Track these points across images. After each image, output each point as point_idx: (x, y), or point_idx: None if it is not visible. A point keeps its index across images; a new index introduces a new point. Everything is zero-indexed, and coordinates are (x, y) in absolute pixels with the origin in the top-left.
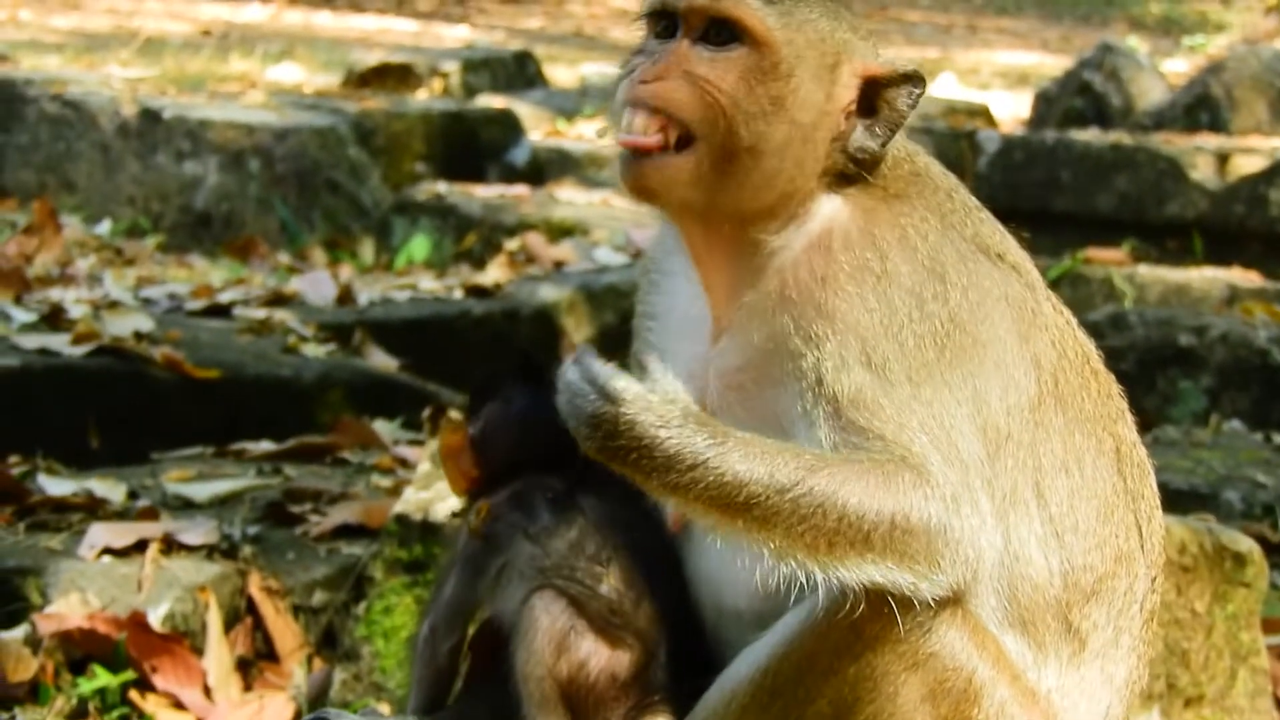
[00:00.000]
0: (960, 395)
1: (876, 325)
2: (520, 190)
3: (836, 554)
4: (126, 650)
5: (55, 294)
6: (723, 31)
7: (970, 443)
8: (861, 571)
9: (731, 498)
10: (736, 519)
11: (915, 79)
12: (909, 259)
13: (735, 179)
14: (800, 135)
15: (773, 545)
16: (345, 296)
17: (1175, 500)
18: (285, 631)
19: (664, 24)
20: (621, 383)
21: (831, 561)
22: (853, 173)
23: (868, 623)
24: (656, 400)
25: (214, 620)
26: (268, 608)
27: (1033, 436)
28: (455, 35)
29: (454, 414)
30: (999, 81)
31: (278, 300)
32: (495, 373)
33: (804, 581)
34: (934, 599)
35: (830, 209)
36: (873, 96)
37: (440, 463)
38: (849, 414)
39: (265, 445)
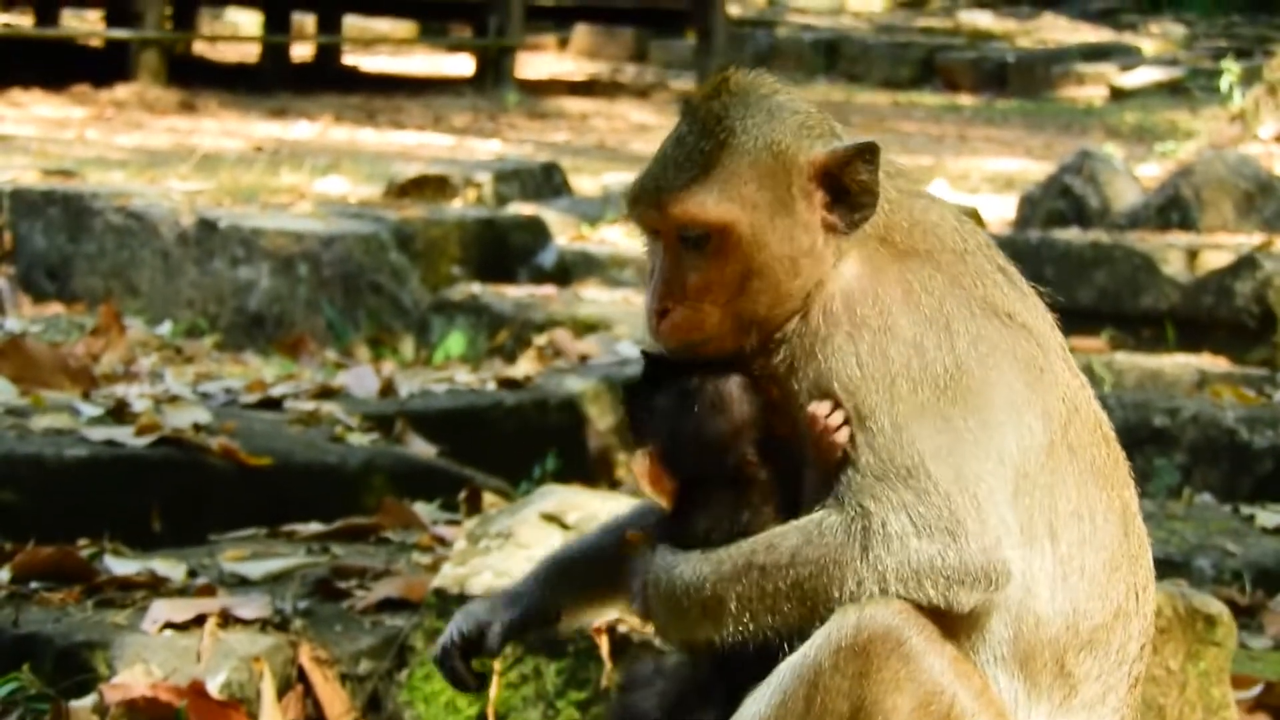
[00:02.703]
0: (962, 428)
1: (867, 378)
2: (548, 290)
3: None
4: (187, 716)
5: (120, 390)
6: (689, 231)
7: (979, 477)
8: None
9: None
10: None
11: (865, 150)
12: (910, 312)
13: (757, 320)
14: (789, 261)
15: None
16: (387, 389)
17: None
18: (333, 698)
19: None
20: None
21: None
22: (865, 235)
23: (863, 657)
24: None
25: (268, 688)
26: (317, 676)
27: (1049, 478)
28: (487, 149)
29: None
30: (987, 186)
31: (325, 393)
32: (639, 390)
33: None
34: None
35: (846, 274)
36: (836, 180)
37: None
38: (838, 470)
39: (314, 526)
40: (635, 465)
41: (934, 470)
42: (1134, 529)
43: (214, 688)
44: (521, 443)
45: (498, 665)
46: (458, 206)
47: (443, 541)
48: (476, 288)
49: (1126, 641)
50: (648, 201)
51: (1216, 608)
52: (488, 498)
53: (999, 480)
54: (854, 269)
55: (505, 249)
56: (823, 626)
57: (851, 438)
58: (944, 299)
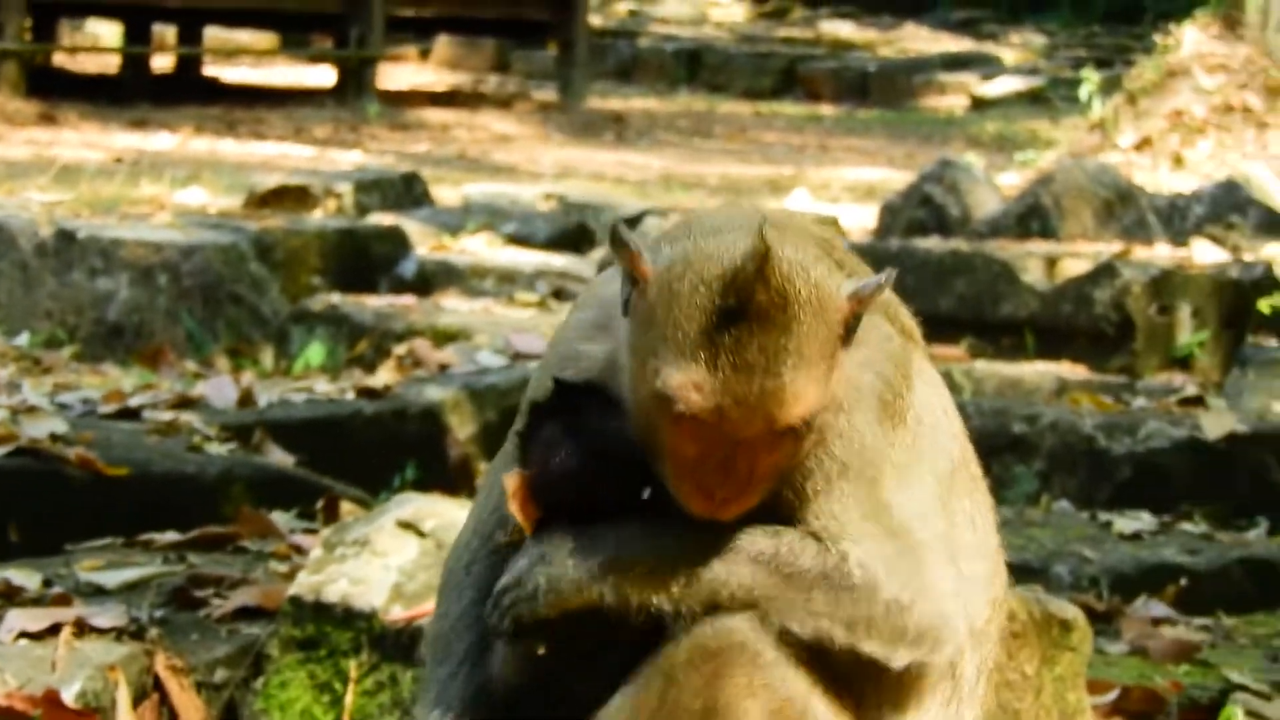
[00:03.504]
0: (928, 481)
1: (870, 439)
2: (408, 300)
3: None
4: None
5: None
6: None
7: (936, 527)
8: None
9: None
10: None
11: (879, 291)
12: (892, 377)
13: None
14: (831, 406)
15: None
16: (246, 399)
17: (1009, 574)
18: (189, 706)
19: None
20: None
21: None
22: None
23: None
24: None
25: (123, 697)
26: (173, 684)
27: (956, 498)
28: (349, 159)
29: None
30: (848, 195)
31: (184, 403)
32: (542, 407)
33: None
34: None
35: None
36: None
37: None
38: (818, 504)
39: (171, 536)
40: (507, 480)
41: (916, 531)
42: (994, 524)
43: (69, 697)
44: (381, 452)
45: (353, 673)
46: (318, 217)
47: (300, 550)
48: (336, 298)
49: (994, 630)
50: (746, 410)
51: (1072, 613)
52: (346, 506)
53: (945, 537)
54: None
55: (366, 259)
56: (685, 630)
57: (835, 489)
58: (901, 356)
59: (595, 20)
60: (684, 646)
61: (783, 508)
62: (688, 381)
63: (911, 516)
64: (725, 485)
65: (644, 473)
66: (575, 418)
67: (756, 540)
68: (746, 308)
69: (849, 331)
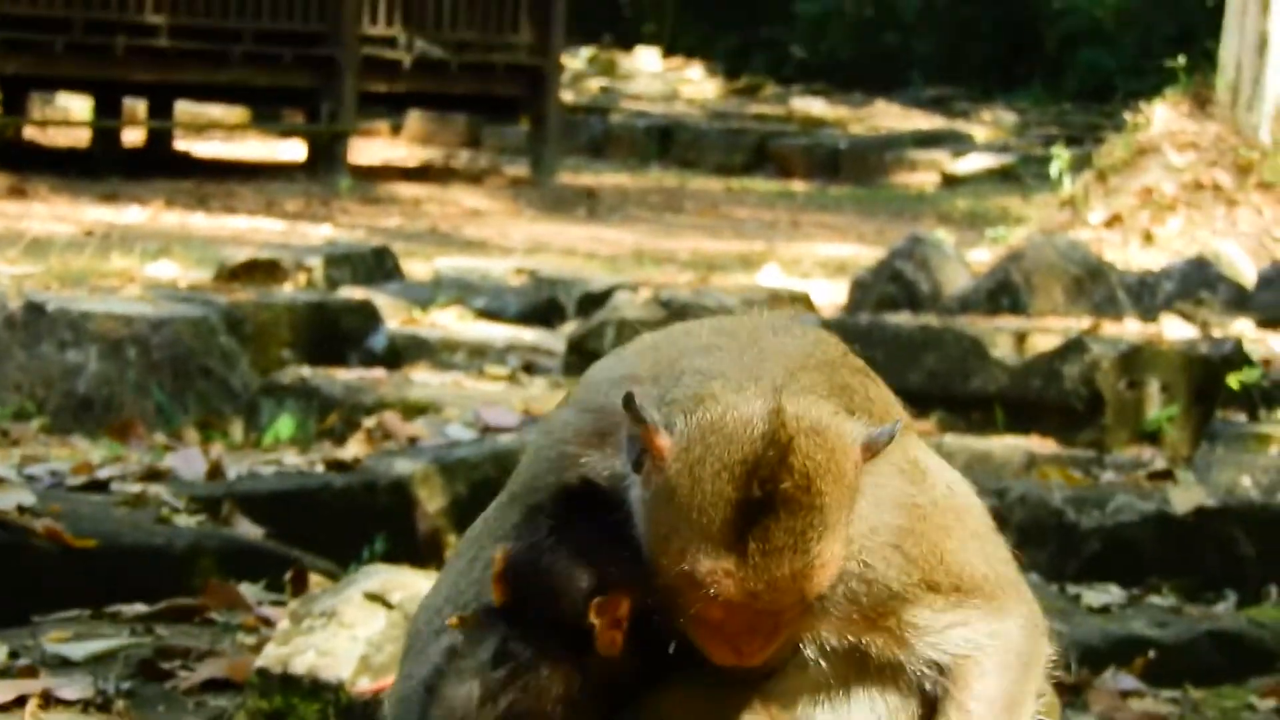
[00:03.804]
0: (978, 530)
1: (923, 566)
2: (378, 373)
3: None
4: None
5: None
6: None
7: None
8: None
9: None
10: None
11: (890, 439)
12: (907, 482)
13: None
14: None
15: None
16: (215, 471)
17: None
18: None
19: None
20: None
21: None
22: None
23: None
24: None
25: None
26: None
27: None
28: (319, 233)
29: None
30: (819, 271)
31: (152, 475)
32: (561, 495)
33: None
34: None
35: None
36: None
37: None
38: (917, 623)
39: (139, 607)
40: (495, 553)
41: (986, 570)
42: None
43: None
44: (350, 525)
45: None
46: (288, 290)
47: (268, 622)
48: (306, 371)
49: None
50: (779, 595)
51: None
52: (314, 579)
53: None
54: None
55: (336, 332)
56: None
57: (911, 611)
58: (903, 445)
59: (567, 96)
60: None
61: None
62: (718, 568)
63: (983, 566)
64: (752, 644)
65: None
66: (578, 524)
67: None
68: (773, 496)
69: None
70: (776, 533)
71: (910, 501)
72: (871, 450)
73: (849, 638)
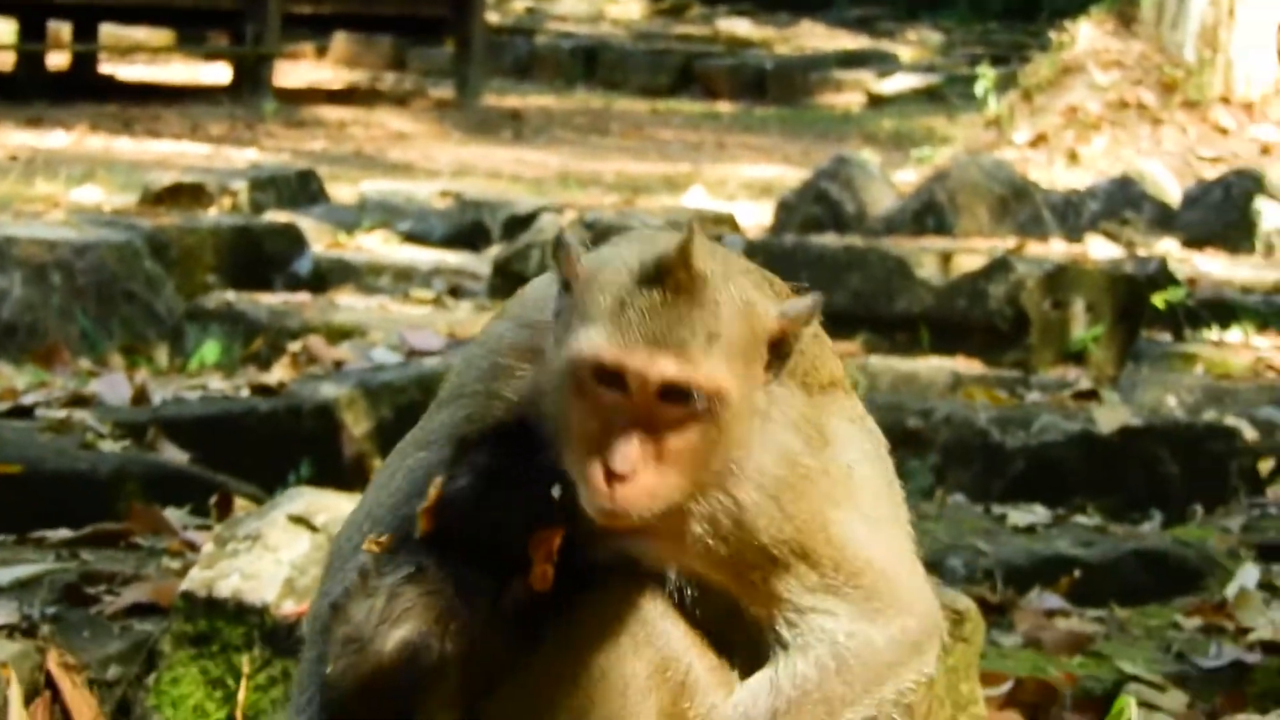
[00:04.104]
0: (875, 516)
1: (801, 526)
2: (303, 297)
3: None
4: None
5: None
6: (678, 394)
7: (905, 544)
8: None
9: None
10: None
11: (816, 310)
12: (804, 446)
13: (700, 488)
14: (750, 421)
15: None
16: (140, 397)
17: None
18: (82, 704)
19: (611, 376)
20: None
21: None
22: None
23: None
24: None
25: (14, 695)
26: (65, 682)
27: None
28: (244, 157)
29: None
30: (745, 192)
31: (77, 401)
32: (491, 433)
33: None
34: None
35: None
36: (779, 342)
37: None
38: (786, 596)
39: (63, 533)
40: (432, 486)
41: (875, 560)
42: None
43: None
44: (276, 449)
45: (246, 668)
46: (213, 215)
47: (193, 547)
48: (231, 295)
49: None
50: (650, 353)
51: (964, 604)
52: (239, 503)
53: (906, 531)
54: (777, 414)
55: (261, 257)
56: (571, 601)
57: (783, 579)
58: (811, 415)
59: (492, 17)
60: (572, 615)
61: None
62: (597, 339)
63: (870, 553)
64: (627, 459)
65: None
66: (495, 454)
67: (759, 699)
68: (664, 282)
69: (777, 357)
70: (660, 314)
71: (796, 459)
72: (789, 320)
73: (722, 583)
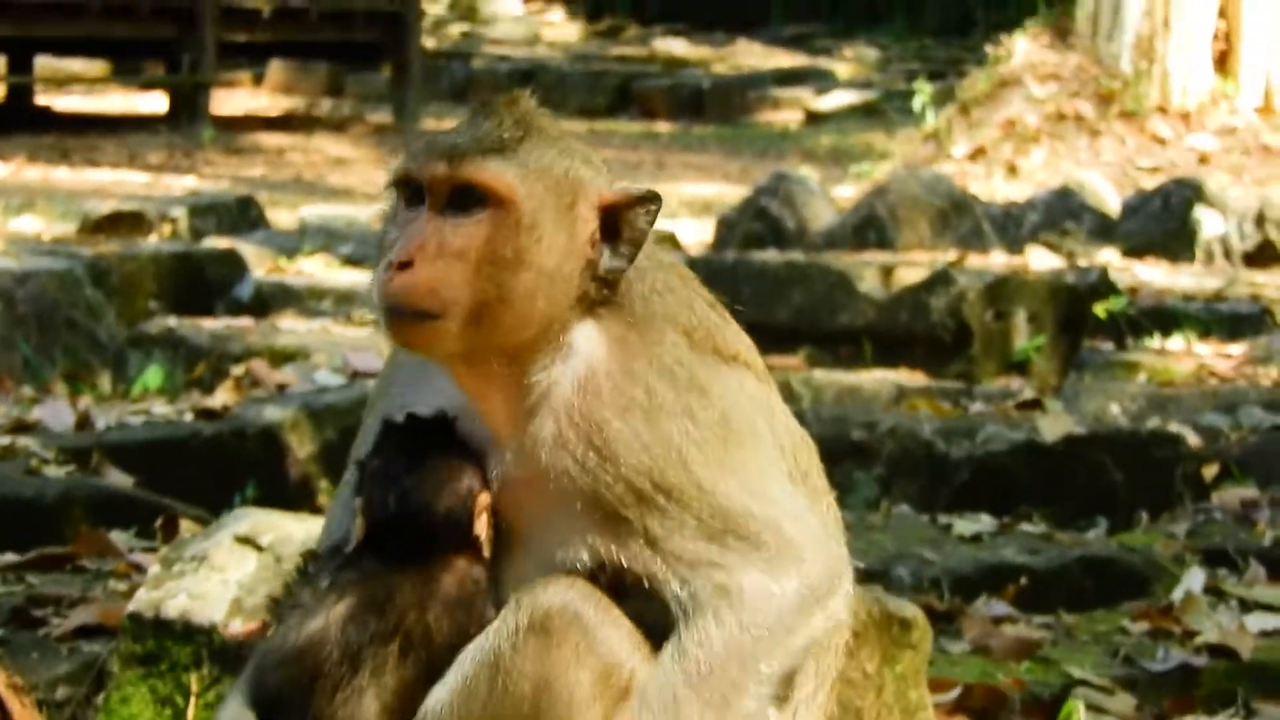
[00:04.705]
0: (755, 464)
1: (659, 456)
2: (245, 322)
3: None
4: None
5: None
6: (467, 197)
7: (787, 493)
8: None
9: None
10: None
11: (650, 199)
12: (671, 384)
13: (493, 326)
14: (549, 277)
15: None
16: (84, 422)
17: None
18: None
19: (411, 191)
20: None
21: None
22: (601, 297)
23: (542, 635)
24: None
25: None
26: (14, 703)
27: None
28: (183, 184)
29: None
30: (685, 210)
31: (21, 428)
32: (409, 424)
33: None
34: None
35: (587, 341)
36: (613, 221)
37: None
38: (663, 560)
39: (9, 557)
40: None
41: (755, 510)
42: (841, 535)
43: None
44: (221, 472)
45: (195, 686)
46: (153, 241)
47: (139, 568)
48: (173, 321)
49: (839, 643)
50: (441, 152)
51: (911, 611)
52: (185, 524)
53: (797, 490)
54: (594, 338)
55: (202, 282)
56: (501, 612)
57: (659, 523)
58: (690, 362)
59: (428, 42)
60: (507, 627)
61: (626, 562)
62: (404, 154)
63: (748, 502)
64: (406, 250)
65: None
66: (412, 433)
67: (671, 671)
68: (496, 106)
69: (612, 236)
70: (481, 124)
71: (652, 385)
72: (620, 197)
73: (603, 540)
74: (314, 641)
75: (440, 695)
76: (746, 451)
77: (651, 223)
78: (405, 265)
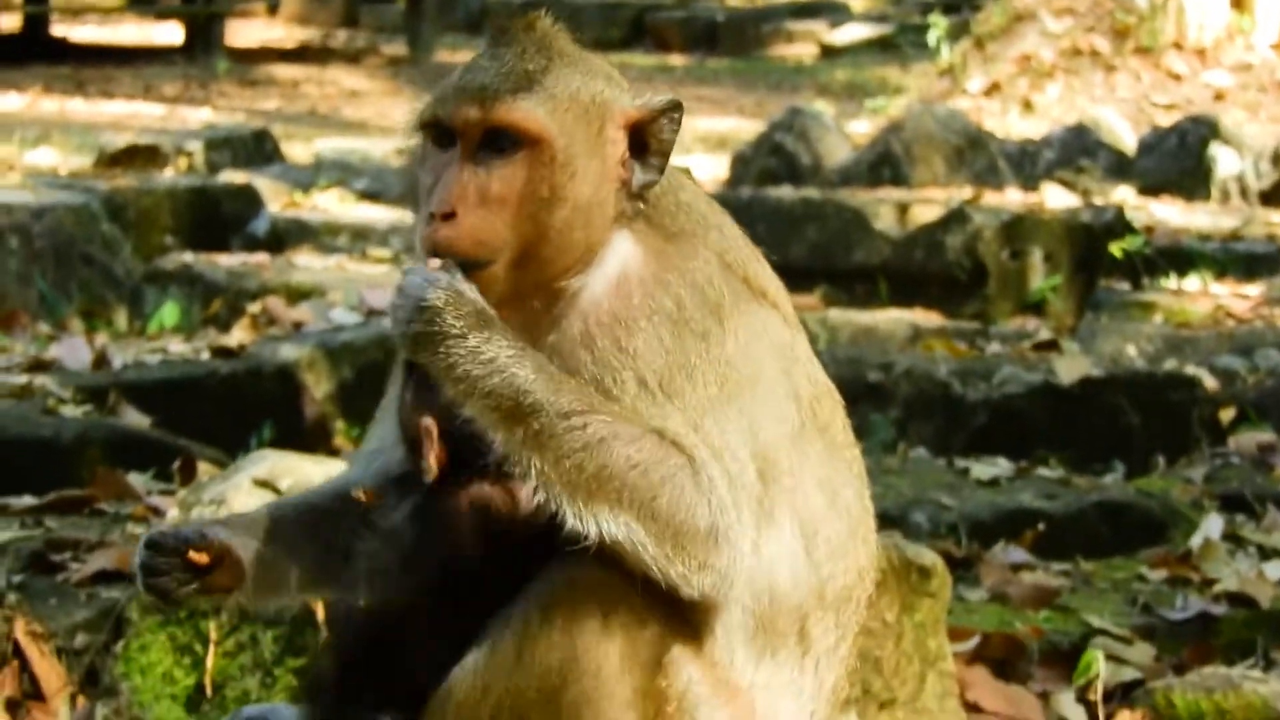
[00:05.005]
0: (738, 425)
1: (672, 362)
2: (261, 258)
3: (596, 502)
4: None
5: None
6: (500, 138)
7: (744, 466)
8: (619, 528)
9: (515, 404)
10: (515, 428)
11: (672, 108)
12: (698, 304)
13: (538, 263)
14: (586, 206)
15: (540, 469)
16: (100, 361)
17: None
18: (50, 672)
19: (440, 133)
20: (448, 285)
21: (589, 509)
22: (635, 210)
23: (571, 608)
24: (472, 307)
25: None
26: (33, 650)
27: (799, 459)
28: (198, 117)
29: None
30: (699, 146)
31: (37, 366)
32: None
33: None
34: (699, 594)
35: (623, 251)
36: (640, 136)
37: None
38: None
39: (27, 500)
40: (425, 425)
41: (729, 460)
42: (865, 488)
43: None
44: (237, 412)
45: (214, 634)
46: (169, 176)
47: (157, 512)
48: (189, 257)
49: (861, 595)
50: (470, 97)
51: (930, 559)
52: (202, 467)
53: (751, 472)
54: (630, 247)
55: (217, 217)
56: (532, 583)
57: (650, 401)
58: (720, 284)
59: None
60: (535, 598)
61: None
62: (426, 103)
63: (724, 446)
64: (444, 201)
65: None
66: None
67: (625, 419)
68: (513, 35)
69: (641, 152)
70: (502, 59)
71: (685, 311)
72: (645, 111)
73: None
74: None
75: (467, 665)
76: (733, 403)
77: (676, 131)
78: (449, 216)
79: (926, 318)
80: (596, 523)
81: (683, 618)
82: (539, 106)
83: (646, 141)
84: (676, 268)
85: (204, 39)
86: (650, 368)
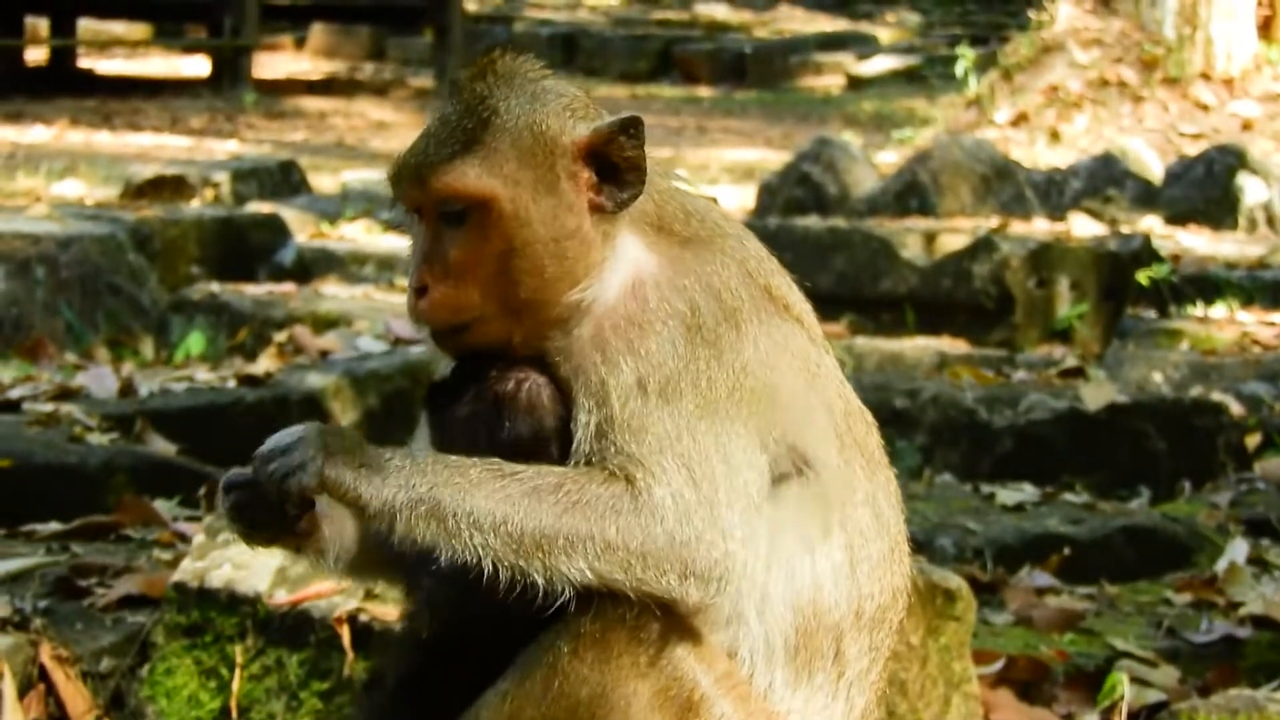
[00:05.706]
0: (744, 429)
1: (680, 366)
2: (288, 287)
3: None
4: None
5: None
6: (448, 207)
7: (735, 470)
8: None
9: (435, 502)
10: (445, 520)
11: (629, 124)
12: (714, 309)
13: (528, 304)
14: (554, 241)
15: (485, 545)
16: (127, 389)
17: None
18: (76, 696)
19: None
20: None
21: (546, 567)
22: (639, 215)
23: (603, 644)
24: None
25: (8, 688)
26: (59, 674)
27: (842, 473)
28: (225, 149)
29: None
30: (727, 176)
31: (64, 394)
32: (436, 402)
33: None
34: (695, 601)
35: (636, 257)
36: (604, 158)
37: None
38: (615, 434)
39: (53, 526)
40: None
41: (714, 468)
42: (901, 510)
43: None
44: (263, 439)
45: (240, 658)
46: (195, 206)
47: (183, 538)
48: (215, 286)
49: (894, 618)
50: (409, 176)
51: (955, 583)
52: None
53: (754, 491)
54: (642, 254)
55: (244, 247)
56: (566, 617)
57: (640, 407)
58: (740, 292)
59: (470, 6)
60: (565, 633)
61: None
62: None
63: (711, 454)
64: (417, 277)
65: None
66: (478, 391)
67: (541, 472)
68: (457, 93)
69: (607, 178)
70: (444, 123)
71: (699, 317)
72: (598, 134)
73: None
74: None
75: (496, 693)
76: (742, 407)
77: (640, 144)
78: (422, 290)
79: (953, 345)
80: (561, 576)
81: (716, 651)
82: (472, 168)
83: (611, 162)
84: (693, 271)
85: (231, 71)
86: (656, 370)
